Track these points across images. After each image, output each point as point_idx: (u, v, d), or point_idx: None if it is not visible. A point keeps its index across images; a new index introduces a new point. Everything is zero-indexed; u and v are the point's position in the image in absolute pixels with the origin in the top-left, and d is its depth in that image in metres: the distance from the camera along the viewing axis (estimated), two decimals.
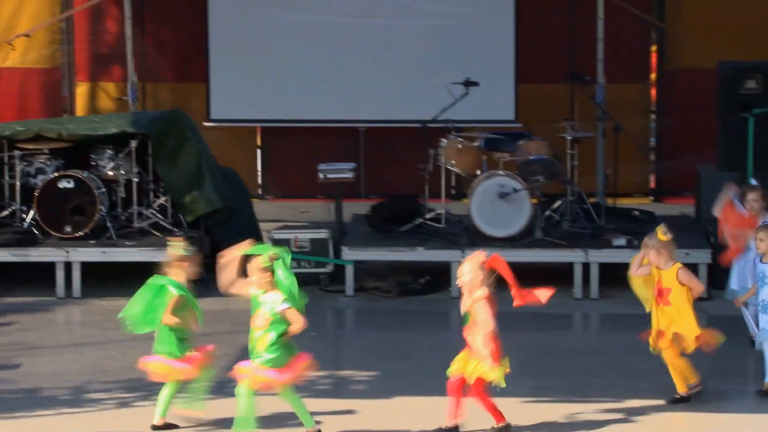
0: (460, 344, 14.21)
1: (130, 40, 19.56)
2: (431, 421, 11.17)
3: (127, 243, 15.68)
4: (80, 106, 20.73)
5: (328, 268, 15.91)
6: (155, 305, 10.89)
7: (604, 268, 15.49)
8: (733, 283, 13.06)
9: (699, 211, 16.84)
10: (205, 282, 15.74)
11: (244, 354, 13.22)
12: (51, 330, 14.49)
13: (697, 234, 15.56)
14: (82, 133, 16.41)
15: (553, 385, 12.25)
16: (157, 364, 10.83)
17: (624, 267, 15.79)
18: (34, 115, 19.77)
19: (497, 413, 10.86)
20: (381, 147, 19.41)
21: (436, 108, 16.52)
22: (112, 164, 15.98)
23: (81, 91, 20.89)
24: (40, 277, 15.61)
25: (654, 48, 20.74)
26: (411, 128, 17.30)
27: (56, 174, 15.88)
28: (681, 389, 11.50)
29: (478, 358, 10.80)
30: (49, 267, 15.57)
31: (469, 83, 16.53)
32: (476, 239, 15.69)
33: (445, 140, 16.22)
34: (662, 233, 11.55)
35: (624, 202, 18.38)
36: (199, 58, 19.98)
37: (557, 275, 15.30)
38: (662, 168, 20.49)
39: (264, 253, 10.78)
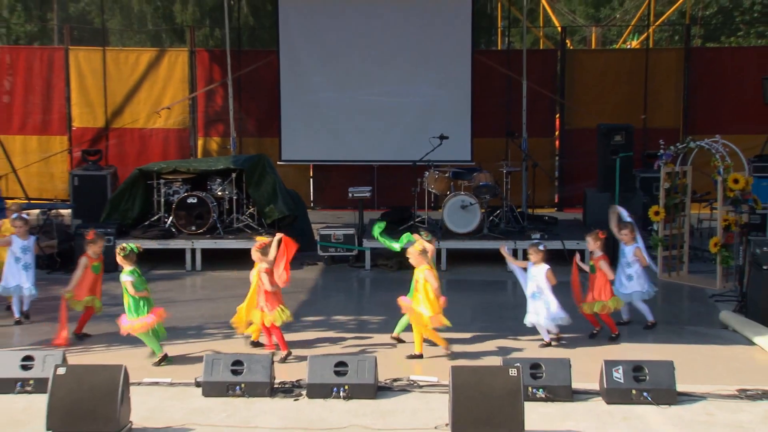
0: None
1: (231, 110, 19.56)
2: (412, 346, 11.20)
3: (229, 237, 15.75)
4: (200, 152, 20.86)
5: (354, 252, 15.92)
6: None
7: (525, 252, 15.44)
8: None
9: (585, 216, 17.06)
10: None
11: (301, 307, 13.36)
12: (181, 290, 14.53)
13: (584, 231, 15.46)
14: (202, 168, 16.55)
15: (494, 326, 12.21)
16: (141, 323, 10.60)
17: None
18: (172, 157, 19.99)
19: (284, 344, 10.80)
20: (387, 176, 19.42)
21: (422, 152, 16.51)
22: (220, 188, 16.10)
23: (200, 143, 21.02)
24: (175, 257, 15.57)
25: (558, 115, 20.82)
26: (406, 165, 17.26)
27: (185, 194, 15.92)
28: (418, 349, 10.82)
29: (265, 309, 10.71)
30: (181, 252, 15.61)
31: (442, 137, 16.46)
32: (446, 234, 15.84)
33: (427, 173, 16.23)
34: (416, 246, 10.94)
35: (539, 211, 18.31)
36: (274, 122, 19.99)
37: (496, 257, 15.29)
38: (563, 190, 20.58)
39: None
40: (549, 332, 11.42)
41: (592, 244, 11.72)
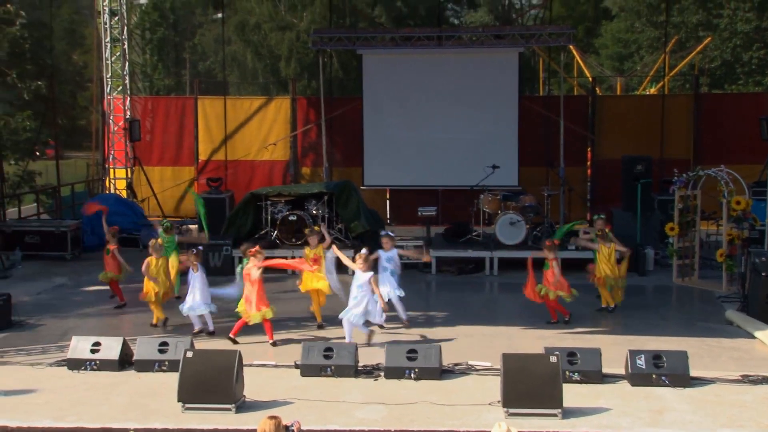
0: (489, 301, 14.18)
1: (324, 145, 19.66)
2: (471, 336, 11.15)
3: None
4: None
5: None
6: None
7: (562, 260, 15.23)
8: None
9: (612, 231, 16.60)
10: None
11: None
12: (285, 290, 13.92)
13: None
14: (301, 192, 16.45)
15: (537, 321, 12.02)
16: None
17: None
18: (277, 183, 20.19)
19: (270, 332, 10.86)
20: (450, 198, 19.24)
21: (478, 179, 16.44)
22: (315, 207, 15.99)
23: (299, 171, 21.20)
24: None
25: (589, 148, 20.56)
26: (465, 189, 17.09)
27: (287, 212, 15.86)
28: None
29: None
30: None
31: (494, 166, 16.34)
32: (497, 245, 15.65)
33: (482, 195, 16.12)
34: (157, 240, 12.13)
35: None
36: (358, 154, 19.93)
37: (538, 264, 15.16)
38: (593, 210, 19.87)
39: None
40: None
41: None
